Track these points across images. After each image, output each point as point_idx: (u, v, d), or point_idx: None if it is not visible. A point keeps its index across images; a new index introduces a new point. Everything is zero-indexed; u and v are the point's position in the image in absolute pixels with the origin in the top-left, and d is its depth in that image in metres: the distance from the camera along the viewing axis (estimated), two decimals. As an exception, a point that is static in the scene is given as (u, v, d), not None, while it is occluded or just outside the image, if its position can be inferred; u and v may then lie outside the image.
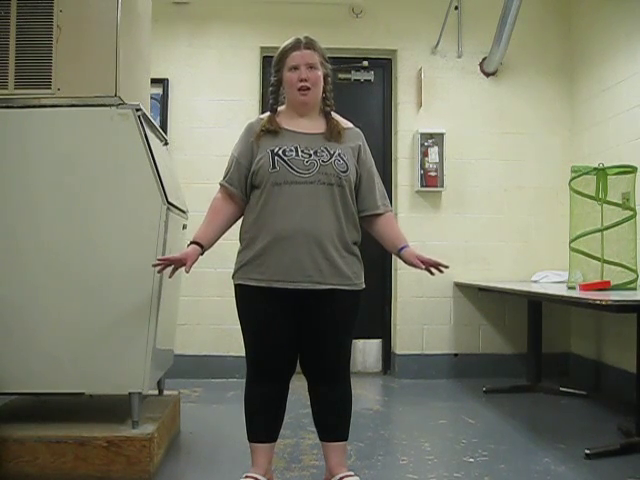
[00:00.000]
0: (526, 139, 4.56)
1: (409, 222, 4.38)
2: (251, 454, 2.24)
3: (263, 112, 2.46)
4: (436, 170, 4.43)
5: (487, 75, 4.58)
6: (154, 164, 2.44)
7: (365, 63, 4.67)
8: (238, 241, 2.23)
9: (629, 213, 3.31)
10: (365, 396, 3.94)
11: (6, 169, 2.44)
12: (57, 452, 2.36)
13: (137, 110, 2.46)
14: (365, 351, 4.63)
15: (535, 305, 4.10)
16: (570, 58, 4.58)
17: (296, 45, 2.17)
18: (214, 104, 4.47)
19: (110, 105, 2.45)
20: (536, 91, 4.58)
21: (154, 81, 3.50)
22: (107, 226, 2.43)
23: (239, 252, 2.21)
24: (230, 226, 2.26)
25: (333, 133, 2.20)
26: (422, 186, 4.44)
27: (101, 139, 2.45)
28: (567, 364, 4.46)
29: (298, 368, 2.24)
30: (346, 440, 2.27)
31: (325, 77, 2.22)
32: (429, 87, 4.50)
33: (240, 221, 2.26)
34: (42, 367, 2.42)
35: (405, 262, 2.23)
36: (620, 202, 3.34)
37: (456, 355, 4.47)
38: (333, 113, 2.27)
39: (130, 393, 2.44)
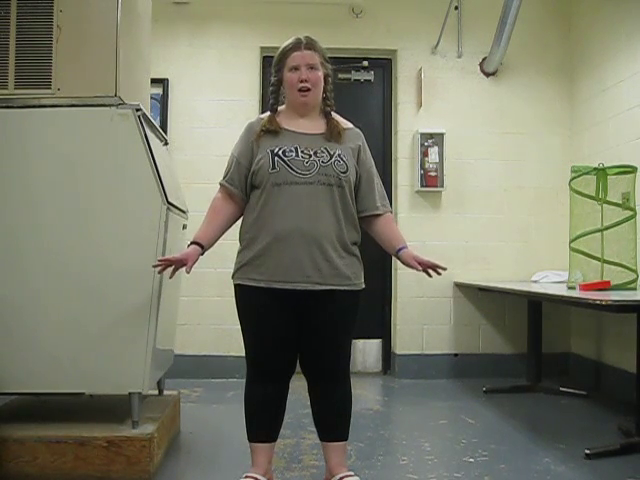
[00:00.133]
0: (526, 139, 4.56)
1: (409, 222, 4.39)
2: (251, 454, 2.24)
3: (263, 112, 2.46)
4: (436, 170, 4.43)
5: (487, 75, 4.58)
6: (154, 164, 2.44)
7: (365, 63, 4.67)
8: (238, 241, 2.23)
9: (629, 213, 3.31)
10: (365, 396, 3.94)
11: (6, 169, 2.44)
12: (57, 452, 2.36)
13: (137, 110, 2.46)
14: (365, 351, 4.63)
15: (535, 305, 4.10)
16: (570, 58, 4.59)
17: (296, 45, 2.17)
18: (214, 104, 4.47)
19: (110, 105, 2.45)
20: (536, 91, 4.58)
21: (154, 81, 3.50)
22: (107, 226, 2.43)
23: (239, 252, 2.22)
24: (230, 226, 2.27)
25: (333, 133, 2.20)
26: (422, 186, 4.44)
27: (101, 139, 2.45)
28: (567, 364, 4.46)
29: (298, 368, 2.24)
30: (346, 440, 2.27)
31: (325, 77, 2.22)
32: (429, 87, 4.50)
33: (240, 221, 2.27)
34: (42, 367, 2.42)
35: (403, 263, 2.23)
36: (620, 202, 3.34)
37: (456, 355, 4.47)
38: (333, 113, 2.27)
39: (130, 393, 2.44)
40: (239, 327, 2.23)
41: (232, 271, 2.23)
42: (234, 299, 2.23)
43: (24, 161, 2.44)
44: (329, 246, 2.11)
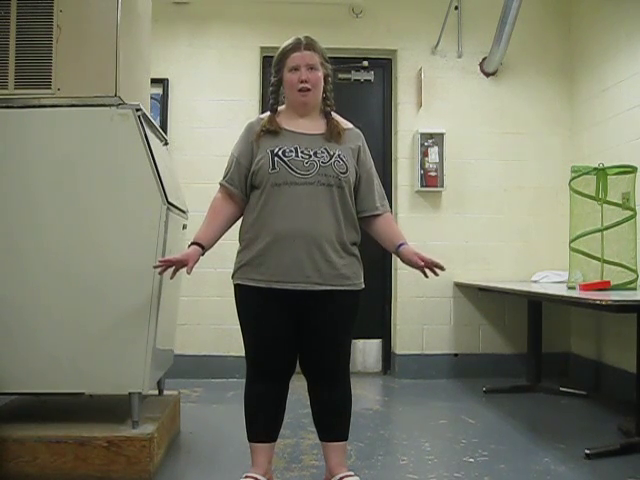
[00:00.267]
0: (526, 139, 4.56)
1: (409, 222, 4.39)
2: (251, 454, 2.24)
3: (263, 112, 2.46)
4: (436, 170, 4.43)
5: (487, 75, 4.58)
6: (154, 164, 2.44)
7: (365, 63, 4.67)
8: (238, 241, 2.23)
9: (629, 213, 3.31)
10: (365, 396, 3.94)
11: (6, 169, 2.44)
12: (57, 452, 2.36)
13: (137, 110, 2.46)
14: (365, 351, 4.63)
15: (535, 305, 4.10)
16: (570, 58, 4.58)
17: (296, 46, 2.17)
18: (214, 104, 4.47)
19: (110, 105, 2.45)
20: (536, 91, 4.58)
21: (154, 81, 3.50)
22: (107, 226, 2.43)
23: (238, 252, 2.22)
24: (230, 226, 2.27)
25: (333, 134, 2.19)
26: (422, 186, 4.44)
27: (101, 139, 2.45)
28: (567, 364, 4.46)
29: (298, 368, 2.24)
30: (346, 440, 2.27)
31: (325, 77, 2.22)
32: (429, 87, 4.50)
33: (240, 221, 2.27)
34: (42, 367, 2.42)
35: (403, 260, 2.22)
36: (620, 202, 3.35)
37: (456, 355, 4.47)
38: (333, 113, 2.27)
39: (130, 393, 2.44)
40: (239, 327, 2.23)
41: (232, 271, 2.23)
42: (234, 299, 2.23)
43: (24, 161, 2.44)
44: (329, 246, 2.11)
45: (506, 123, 4.56)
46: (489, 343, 4.48)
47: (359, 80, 4.69)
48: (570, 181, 3.47)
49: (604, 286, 3.11)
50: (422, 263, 2.17)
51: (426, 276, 2.20)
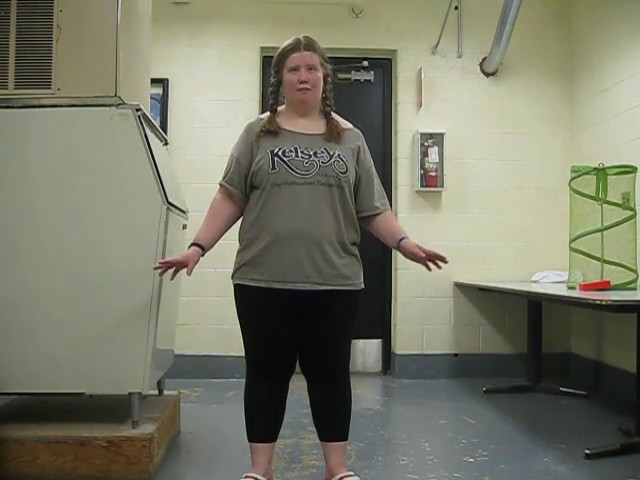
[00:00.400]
0: (526, 139, 4.56)
1: (409, 222, 4.38)
2: (251, 454, 2.24)
3: (263, 112, 2.46)
4: (436, 170, 4.43)
5: (487, 75, 4.58)
6: (154, 164, 2.44)
7: (365, 63, 4.67)
8: (237, 241, 2.23)
9: (629, 213, 3.31)
10: (365, 396, 3.94)
11: (6, 169, 2.43)
12: (57, 452, 2.36)
13: (137, 110, 2.46)
14: (365, 351, 4.63)
15: (535, 305, 4.10)
16: (570, 58, 4.58)
17: (296, 46, 2.17)
18: (214, 104, 4.47)
19: (110, 105, 2.45)
20: (536, 91, 4.58)
21: (154, 81, 3.50)
22: (107, 226, 2.43)
23: (238, 252, 2.22)
24: (230, 226, 2.27)
25: (333, 134, 2.20)
26: (422, 186, 4.44)
27: (101, 139, 2.45)
28: (567, 364, 4.46)
29: (298, 368, 2.24)
30: (346, 440, 2.27)
31: (325, 77, 2.22)
32: (429, 87, 4.50)
33: (239, 221, 2.27)
34: (42, 367, 2.42)
35: (405, 254, 2.21)
36: (620, 202, 3.34)
37: (456, 355, 4.47)
38: (333, 113, 2.27)
39: (130, 393, 2.44)
40: (239, 327, 2.23)
41: (232, 271, 2.23)
42: (234, 299, 2.23)
43: (24, 161, 2.44)
44: (329, 246, 2.11)
45: (506, 123, 4.56)
46: (489, 343, 4.48)
47: (359, 80, 4.69)
48: (570, 181, 3.47)
49: (604, 286, 3.11)
50: (424, 255, 2.16)
51: (429, 269, 2.18)
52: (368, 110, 4.68)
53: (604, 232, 3.33)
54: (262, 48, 4.48)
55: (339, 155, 2.16)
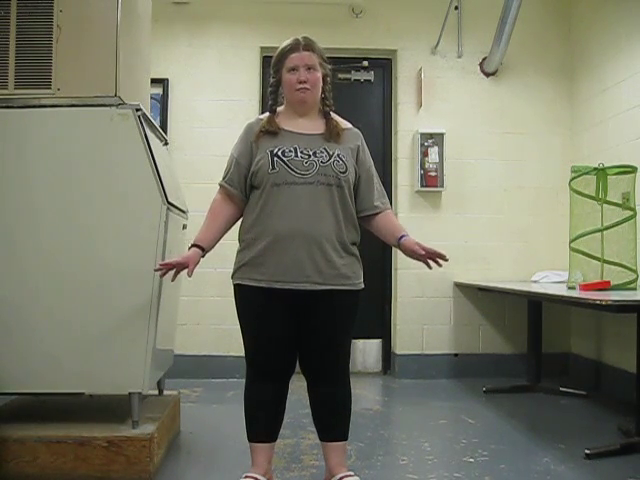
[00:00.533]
0: (526, 139, 4.56)
1: (409, 222, 4.37)
2: (251, 454, 2.24)
3: (263, 112, 2.46)
4: (436, 170, 4.43)
5: (487, 75, 4.58)
6: (154, 164, 2.44)
7: (365, 63, 4.67)
8: (237, 241, 2.23)
9: (629, 213, 3.31)
10: (365, 396, 3.94)
11: (5, 169, 2.43)
12: (57, 452, 2.36)
13: (137, 110, 2.46)
14: (365, 351, 4.63)
15: (535, 305, 4.10)
16: (570, 58, 4.58)
17: (295, 46, 2.17)
18: (214, 104, 4.47)
19: (110, 105, 2.45)
20: (536, 91, 4.58)
21: (154, 81, 3.50)
22: (107, 226, 2.43)
23: (238, 252, 2.22)
24: (230, 227, 2.27)
25: (332, 134, 2.20)
26: (422, 186, 4.44)
27: (101, 139, 2.45)
28: (567, 364, 4.46)
29: (298, 368, 2.24)
30: (346, 440, 2.27)
31: (324, 77, 2.22)
32: (429, 87, 4.50)
33: (239, 221, 2.27)
34: (42, 367, 2.42)
35: (405, 252, 2.20)
36: (620, 202, 3.34)
37: (456, 355, 4.47)
38: (332, 113, 2.27)
39: (130, 393, 2.44)
40: (239, 327, 2.23)
41: (231, 271, 2.23)
42: (233, 299, 2.23)
43: (24, 161, 2.44)
44: (329, 246, 2.12)
45: (506, 123, 4.56)
46: (489, 343, 4.48)
47: (359, 80, 4.69)
48: (570, 181, 3.47)
49: (604, 286, 3.11)
50: (423, 252, 2.15)
51: (429, 267, 2.18)
52: (368, 110, 4.68)
53: (604, 232, 3.33)
54: (262, 48, 4.48)
55: (338, 155, 2.16)
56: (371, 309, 4.49)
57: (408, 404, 3.80)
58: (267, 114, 2.26)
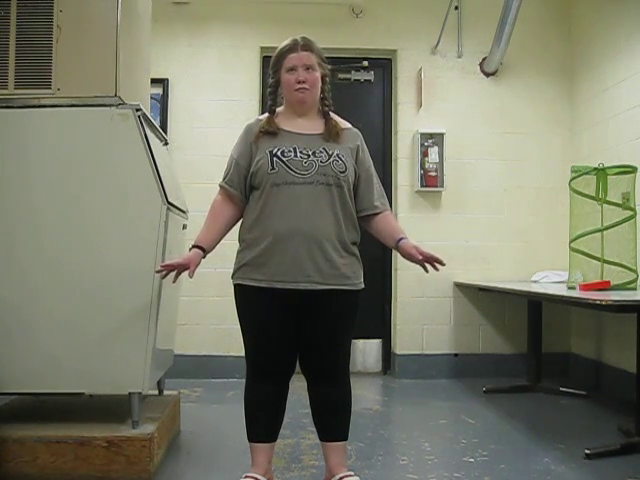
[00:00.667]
0: (526, 139, 4.56)
1: (409, 222, 4.38)
2: (251, 454, 2.24)
3: (263, 112, 2.46)
4: (436, 170, 4.43)
5: (487, 75, 4.58)
6: (154, 164, 2.44)
7: (365, 63, 4.67)
8: (237, 241, 2.23)
9: (629, 213, 3.31)
10: (365, 396, 3.94)
11: (6, 169, 2.43)
12: (57, 452, 2.36)
13: (137, 110, 2.46)
14: (365, 351, 4.63)
15: (535, 305, 4.10)
16: (570, 58, 4.58)
17: (293, 47, 2.17)
18: (214, 104, 4.47)
19: (110, 105, 2.45)
20: (536, 91, 4.58)
21: (154, 81, 3.50)
22: (107, 226, 2.43)
23: (238, 252, 2.22)
24: (231, 228, 2.27)
25: (332, 134, 2.20)
26: (422, 186, 4.44)
27: (101, 139, 2.45)
28: (567, 364, 4.46)
29: (298, 368, 2.24)
30: (346, 440, 2.27)
31: (323, 77, 2.22)
32: (429, 87, 4.50)
33: (239, 221, 2.27)
34: (42, 367, 2.42)
35: (403, 254, 2.21)
36: (620, 202, 3.34)
37: (456, 355, 4.47)
38: (332, 113, 2.28)
39: (130, 393, 2.44)
40: (239, 327, 2.23)
41: (232, 271, 2.23)
42: (234, 299, 2.23)
43: (24, 161, 2.43)
44: (329, 246, 2.12)
45: (506, 123, 4.56)
46: (489, 343, 4.48)
47: (359, 80, 4.69)
48: (570, 181, 3.47)
49: (604, 286, 3.11)
50: (421, 257, 2.16)
51: (426, 271, 2.18)
52: (368, 110, 4.68)
53: (604, 232, 3.33)
54: (262, 48, 4.48)
55: (338, 155, 2.16)
56: (371, 309, 4.49)
57: (408, 404, 3.80)
58: (266, 114, 2.26)
